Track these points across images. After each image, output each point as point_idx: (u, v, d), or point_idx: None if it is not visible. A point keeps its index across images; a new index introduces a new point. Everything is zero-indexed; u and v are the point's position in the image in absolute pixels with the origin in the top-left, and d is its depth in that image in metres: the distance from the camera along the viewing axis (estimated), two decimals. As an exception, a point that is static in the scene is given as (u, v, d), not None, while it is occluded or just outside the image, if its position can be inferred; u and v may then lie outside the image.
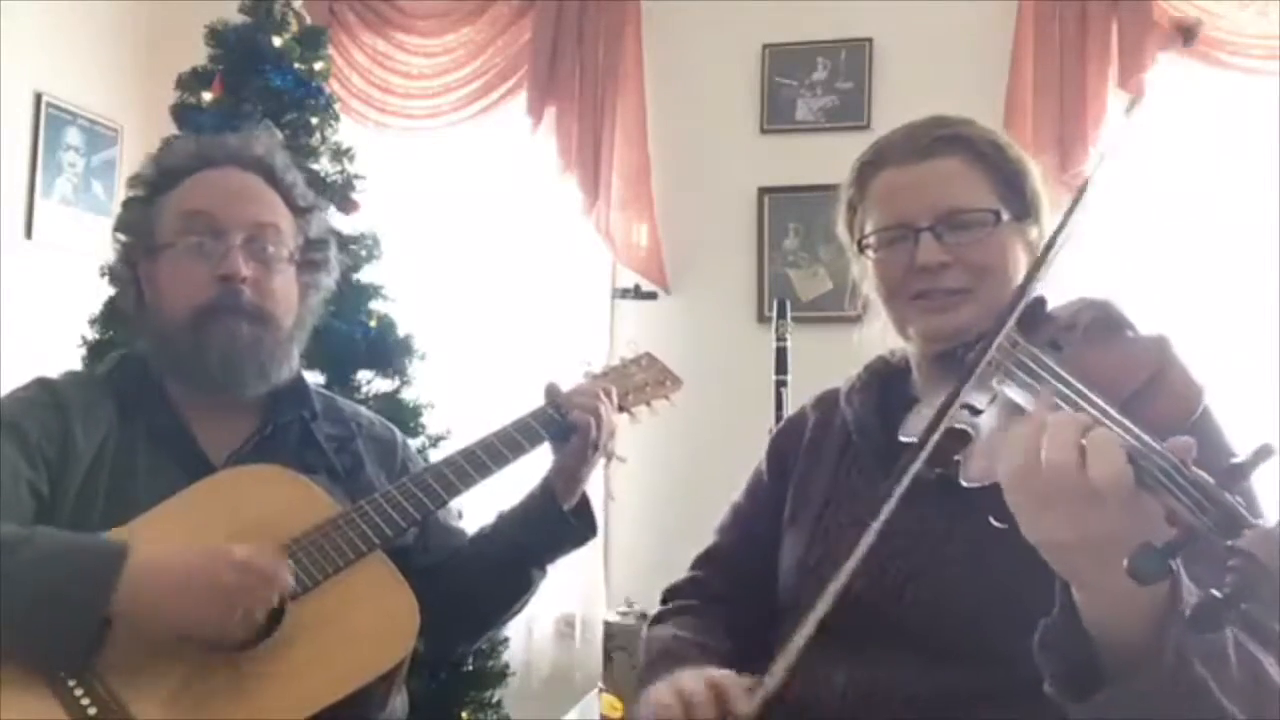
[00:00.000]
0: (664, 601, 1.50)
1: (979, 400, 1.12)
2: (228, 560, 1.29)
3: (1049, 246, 1.15)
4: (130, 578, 1.26)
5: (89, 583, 1.25)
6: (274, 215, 1.56)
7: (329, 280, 1.67)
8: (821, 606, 1.10)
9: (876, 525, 1.08)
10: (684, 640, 1.36)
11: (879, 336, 1.38)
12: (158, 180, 1.58)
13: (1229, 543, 0.76)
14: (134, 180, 1.61)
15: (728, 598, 1.43)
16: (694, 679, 1.19)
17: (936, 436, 1.08)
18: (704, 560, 1.49)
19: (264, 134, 1.71)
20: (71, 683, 1.26)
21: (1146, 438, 0.86)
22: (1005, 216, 1.27)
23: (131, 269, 1.57)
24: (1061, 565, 0.91)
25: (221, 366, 1.50)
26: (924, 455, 1.09)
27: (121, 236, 1.59)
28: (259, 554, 1.32)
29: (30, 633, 1.25)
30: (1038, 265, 1.15)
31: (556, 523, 1.61)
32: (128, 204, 1.61)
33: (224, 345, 1.49)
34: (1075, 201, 1.13)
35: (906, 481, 1.08)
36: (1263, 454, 0.81)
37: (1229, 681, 0.89)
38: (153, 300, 1.55)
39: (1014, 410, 1.06)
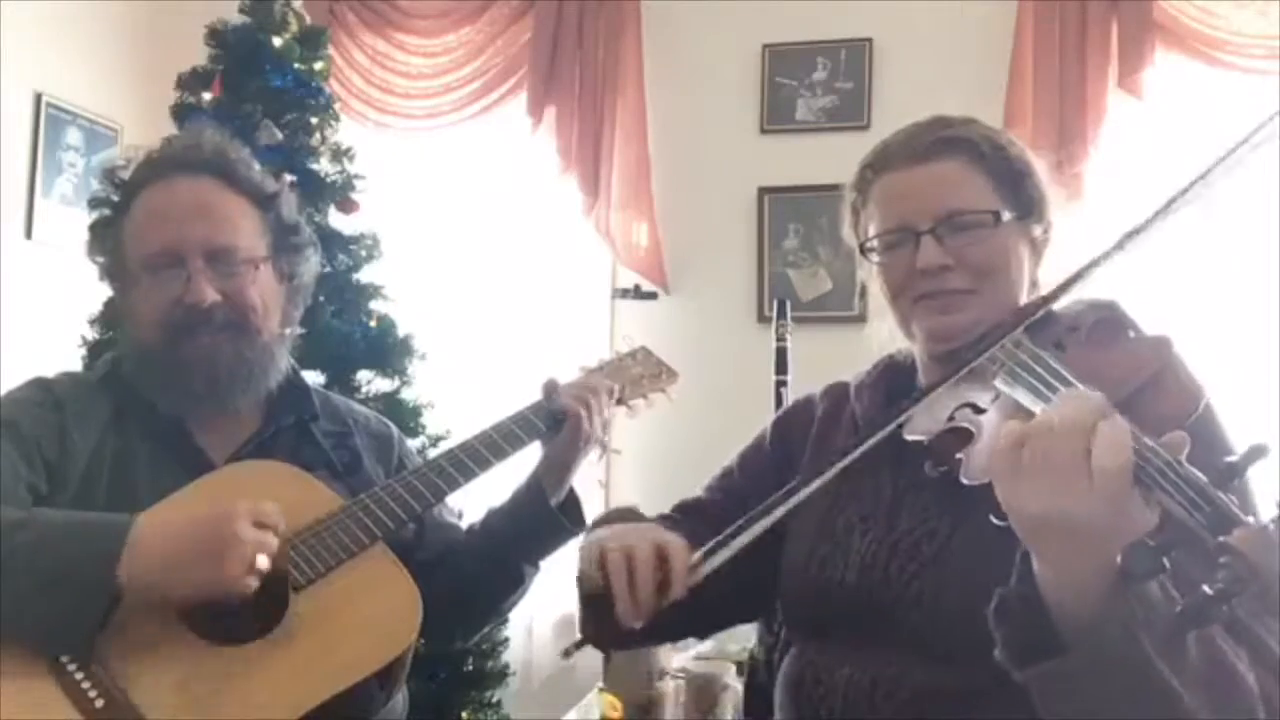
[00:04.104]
0: None
1: (982, 399, 1.12)
2: (228, 512, 1.29)
3: (1080, 272, 1.15)
4: (134, 544, 1.27)
5: (94, 554, 1.26)
6: (231, 228, 1.51)
7: (313, 263, 1.64)
8: (775, 511, 1.14)
9: (831, 472, 1.12)
10: (641, 513, 1.39)
11: (887, 337, 1.38)
12: (115, 199, 1.55)
13: (1220, 540, 0.77)
14: (93, 201, 1.59)
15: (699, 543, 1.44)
16: (642, 538, 1.21)
17: (915, 412, 1.11)
18: (683, 508, 1.50)
19: (212, 129, 1.65)
20: (78, 674, 1.26)
21: (1144, 437, 0.87)
22: (1006, 216, 1.27)
23: (114, 286, 1.58)
24: (1032, 539, 0.92)
25: (207, 385, 1.49)
26: (899, 422, 1.13)
27: (99, 259, 1.58)
28: (254, 504, 1.32)
29: (39, 611, 1.25)
30: (1063, 288, 1.16)
31: (544, 519, 1.61)
32: (93, 228, 1.58)
33: (206, 364, 1.48)
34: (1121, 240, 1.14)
35: (871, 442, 1.12)
36: (1256, 453, 0.82)
37: (1187, 668, 0.90)
38: (129, 325, 1.56)
39: (1017, 410, 1.07)
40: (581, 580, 1.25)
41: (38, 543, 1.27)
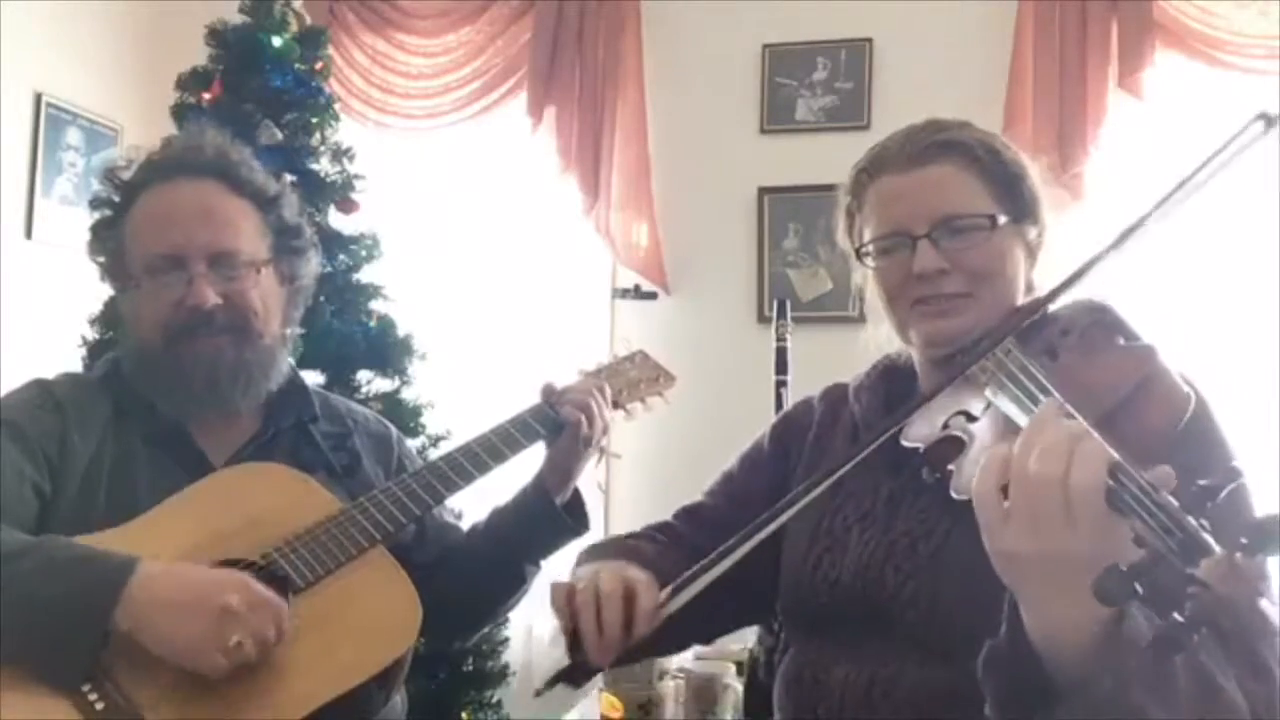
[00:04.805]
0: None
1: (975, 407, 1.12)
2: (234, 585, 1.28)
3: (1076, 275, 1.15)
4: (133, 593, 1.25)
5: (92, 596, 1.25)
6: (233, 231, 1.51)
7: (314, 264, 1.64)
8: (756, 535, 1.14)
9: (828, 482, 1.12)
10: (631, 544, 1.40)
11: (885, 340, 1.38)
12: (116, 200, 1.55)
13: (1189, 570, 0.76)
14: (94, 201, 1.58)
15: (696, 550, 1.43)
16: (612, 576, 1.22)
17: (914, 415, 1.12)
18: (684, 513, 1.50)
19: (213, 130, 1.64)
20: None
21: (1123, 462, 0.85)
22: (1002, 220, 1.27)
23: (115, 286, 1.58)
24: (1013, 579, 0.90)
25: (207, 387, 1.49)
26: (892, 432, 1.12)
27: (100, 259, 1.57)
28: (266, 589, 1.30)
29: (30, 644, 1.24)
30: (1053, 295, 1.16)
31: (549, 519, 1.61)
32: (94, 228, 1.58)
33: (207, 366, 1.48)
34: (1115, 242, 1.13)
35: (863, 454, 1.11)
36: (1230, 476, 0.81)
37: (1177, 702, 0.88)
38: (130, 327, 1.55)
39: (1005, 423, 1.07)
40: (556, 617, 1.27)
41: (37, 575, 1.25)
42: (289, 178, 2.16)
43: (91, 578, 1.26)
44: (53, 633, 1.24)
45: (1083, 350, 1.14)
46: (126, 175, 1.56)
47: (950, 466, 1.07)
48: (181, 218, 1.50)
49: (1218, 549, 0.76)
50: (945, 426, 1.12)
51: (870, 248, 1.31)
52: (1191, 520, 0.79)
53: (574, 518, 1.64)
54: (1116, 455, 0.86)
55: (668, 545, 1.44)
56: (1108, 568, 0.78)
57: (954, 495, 1.03)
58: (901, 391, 1.37)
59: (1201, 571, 0.75)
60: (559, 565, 1.71)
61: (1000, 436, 1.06)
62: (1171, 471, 0.83)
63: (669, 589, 1.20)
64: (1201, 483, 0.80)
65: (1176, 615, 0.76)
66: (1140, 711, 0.86)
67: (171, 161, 1.55)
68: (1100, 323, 1.17)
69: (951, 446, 1.09)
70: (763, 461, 1.47)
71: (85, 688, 1.25)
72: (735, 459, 1.52)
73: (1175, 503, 0.80)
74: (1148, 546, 0.80)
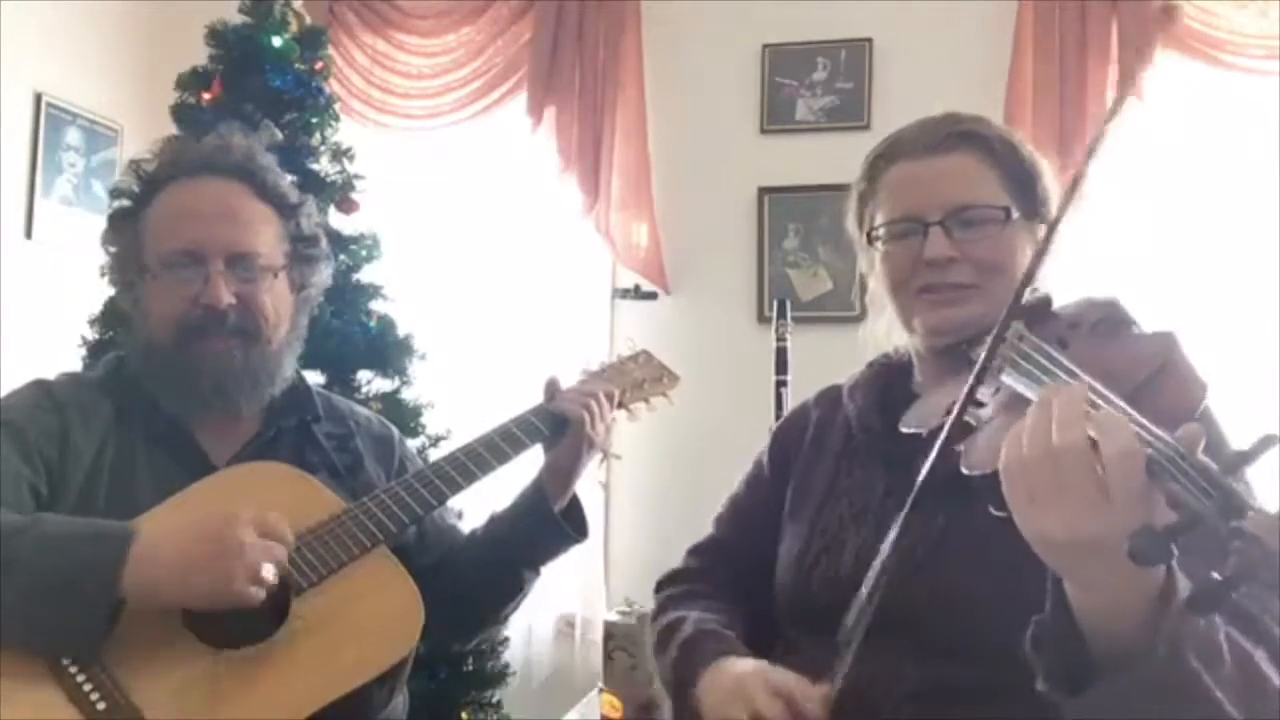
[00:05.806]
0: (659, 589, 1.49)
1: (983, 393, 1.12)
2: (232, 519, 1.29)
3: (1047, 238, 1.15)
4: (138, 555, 1.26)
5: (96, 565, 1.25)
6: (253, 234, 1.52)
7: (325, 274, 1.65)
8: (869, 603, 1.11)
9: (899, 521, 1.11)
10: (713, 625, 1.33)
11: (884, 333, 1.38)
12: (138, 191, 1.55)
13: (1232, 524, 0.76)
14: (116, 191, 1.59)
15: (731, 587, 1.43)
16: (762, 689, 1.15)
17: (943, 436, 1.09)
18: (702, 551, 1.50)
19: (242, 133, 1.65)
20: (80, 676, 1.26)
21: (1150, 425, 0.85)
22: (1015, 215, 1.28)
23: (125, 279, 1.57)
24: (1054, 560, 0.91)
25: (214, 389, 1.50)
26: (934, 455, 1.10)
27: (112, 249, 1.58)
28: (260, 513, 1.32)
29: (42, 620, 1.24)
30: (1039, 257, 1.16)
31: (547, 525, 1.60)
32: (113, 218, 1.58)
33: (215, 367, 1.49)
34: (1069, 195, 1.13)
35: (922, 477, 1.10)
36: (1267, 443, 0.81)
37: (1222, 677, 0.89)
38: (140, 320, 1.55)
39: (1017, 401, 1.06)
40: None
41: (38, 550, 1.26)
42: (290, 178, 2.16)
43: (93, 547, 1.27)
44: (61, 608, 1.24)
45: (1096, 340, 1.14)
46: (151, 168, 1.56)
47: (958, 448, 1.07)
48: (205, 214, 1.51)
49: (1259, 505, 0.76)
50: (948, 413, 1.12)
51: (881, 231, 1.31)
52: (1229, 481, 0.79)
53: (572, 524, 1.63)
54: (1143, 421, 0.85)
55: (717, 603, 1.39)
56: (1140, 528, 0.78)
57: (965, 471, 1.03)
58: (897, 388, 1.37)
59: (1247, 524, 0.75)
60: (560, 571, 1.71)
61: (1010, 412, 1.05)
62: (1200, 428, 0.83)
63: (822, 685, 1.14)
64: (1238, 448, 0.81)
65: (1215, 574, 0.75)
66: (1195, 678, 0.87)
67: (199, 159, 1.56)
68: (1109, 317, 1.17)
69: (958, 431, 1.09)
70: (764, 481, 1.48)
71: (86, 686, 1.25)
72: (740, 483, 1.51)
73: (1212, 464, 0.80)
74: (1184, 507, 0.79)
